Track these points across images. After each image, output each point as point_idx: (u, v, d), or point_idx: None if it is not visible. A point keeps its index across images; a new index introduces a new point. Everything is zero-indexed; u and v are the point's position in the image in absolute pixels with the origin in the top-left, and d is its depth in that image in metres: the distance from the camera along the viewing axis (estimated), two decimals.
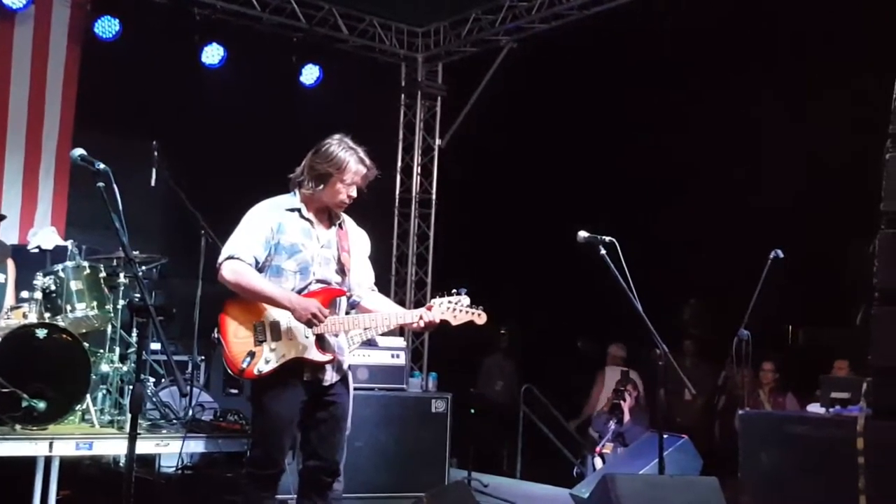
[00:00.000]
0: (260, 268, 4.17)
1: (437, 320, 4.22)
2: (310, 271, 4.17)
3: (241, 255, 4.09)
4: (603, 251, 4.91)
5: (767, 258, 6.27)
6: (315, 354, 4.12)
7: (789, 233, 7.31)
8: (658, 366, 5.07)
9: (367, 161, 4.23)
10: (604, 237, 4.97)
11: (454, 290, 4.33)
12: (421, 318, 4.18)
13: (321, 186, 4.18)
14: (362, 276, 4.38)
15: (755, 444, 5.62)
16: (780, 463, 5.40)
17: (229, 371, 4.13)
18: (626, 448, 7.72)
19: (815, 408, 5.77)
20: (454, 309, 4.26)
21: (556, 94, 10.03)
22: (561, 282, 9.91)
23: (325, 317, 4.04)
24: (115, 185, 3.54)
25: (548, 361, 10.72)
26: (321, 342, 4.14)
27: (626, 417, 8.41)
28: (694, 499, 4.55)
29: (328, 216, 4.31)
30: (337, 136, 4.25)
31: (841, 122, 7.95)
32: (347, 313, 4.34)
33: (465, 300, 4.28)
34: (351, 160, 4.17)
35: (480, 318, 4.32)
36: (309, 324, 4.04)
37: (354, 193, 4.24)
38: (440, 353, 9.90)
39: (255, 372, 4.05)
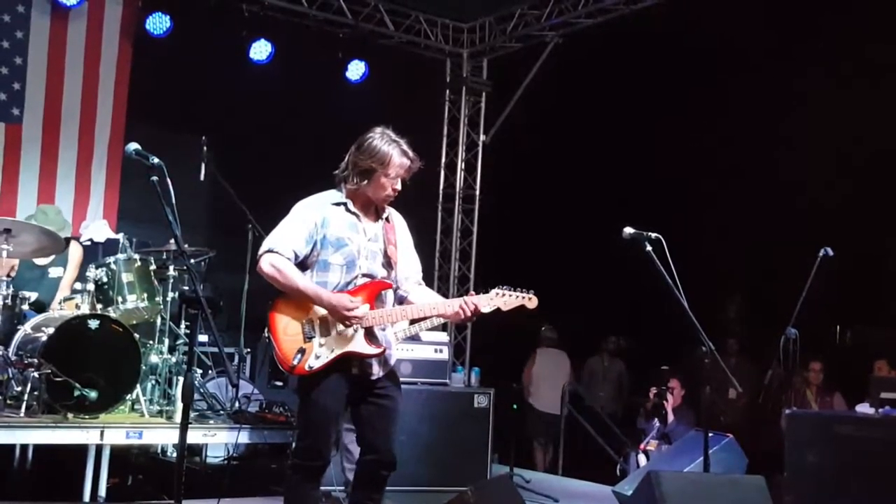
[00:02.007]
0: (307, 263, 4.18)
1: (483, 307, 4.22)
2: (356, 265, 4.17)
3: (280, 248, 4.11)
4: (649, 247, 4.88)
5: (816, 256, 6.16)
6: (364, 347, 4.13)
7: (838, 231, 7.21)
8: (703, 363, 5.04)
9: (411, 153, 4.22)
10: (650, 233, 4.93)
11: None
12: (465, 303, 4.19)
13: (366, 182, 4.19)
14: (410, 269, 4.38)
15: (802, 443, 5.56)
16: (828, 463, 5.34)
17: (281, 368, 4.14)
18: (670, 446, 7.67)
19: (863, 408, 5.71)
20: (504, 294, 4.28)
21: (600, 89, 9.99)
22: (603, 278, 9.87)
23: (357, 308, 4.05)
24: (168, 179, 3.61)
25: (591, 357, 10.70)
26: (370, 335, 4.16)
27: (670, 417, 8.35)
28: (740, 498, 4.50)
29: (374, 210, 4.31)
30: (378, 129, 4.23)
31: (892, 117, 7.82)
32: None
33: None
34: (394, 153, 4.17)
35: (531, 301, 4.32)
36: (343, 321, 4.06)
37: (399, 186, 4.23)
38: (483, 349, 9.91)
39: (307, 368, 4.06)
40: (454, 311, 4.24)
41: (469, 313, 4.21)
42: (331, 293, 4.07)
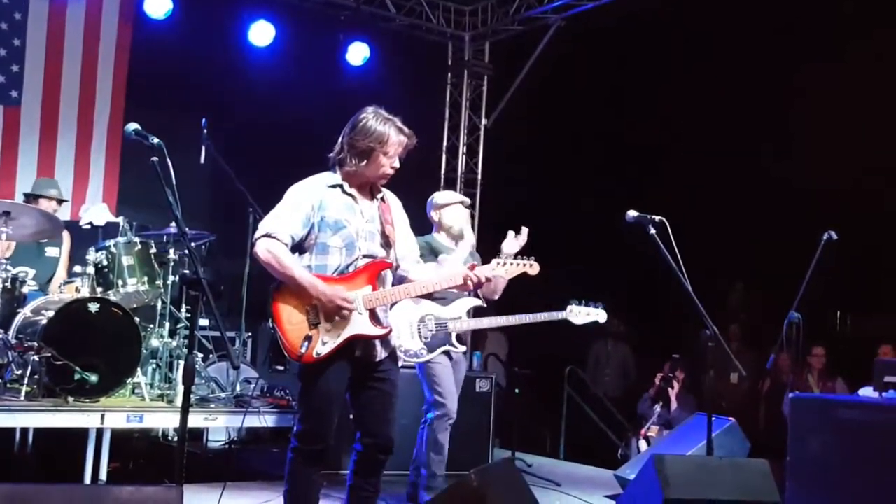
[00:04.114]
0: (304, 247, 4.15)
1: (484, 278, 4.24)
2: (355, 247, 4.14)
3: (277, 233, 4.07)
4: (652, 231, 4.86)
5: (819, 240, 6.11)
6: (370, 329, 4.10)
7: (840, 215, 7.17)
8: (707, 348, 5.02)
9: (406, 130, 4.19)
10: (653, 217, 4.91)
11: None
12: (466, 277, 4.19)
13: (364, 162, 4.15)
14: (407, 248, 4.36)
15: (805, 428, 5.54)
16: (831, 448, 5.32)
17: (289, 358, 4.10)
18: (671, 431, 7.67)
19: (867, 392, 5.68)
20: (504, 263, 4.32)
21: (603, 72, 9.94)
22: (605, 262, 9.84)
23: (351, 303, 4.03)
24: (168, 160, 3.57)
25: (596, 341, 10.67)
26: (374, 316, 4.14)
27: (674, 405, 8.35)
28: (744, 481, 4.49)
29: (370, 190, 4.28)
30: (370, 109, 4.20)
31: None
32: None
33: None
34: (391, 132, 4.14)
35: (533, 268, 4.39)
36: (335, 313, 4.02)
37: (397, 165, 4.21)
38: (485, 333, 9.90)
39: (314, 355, 4.02)
40: (459, 283, 4.22)
41: (475, 281, 4.20)
42: (326, 285, 4.03)
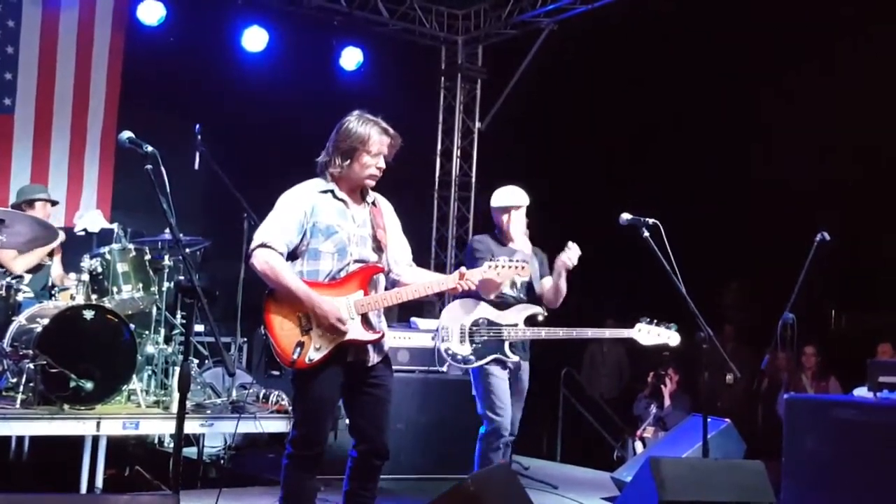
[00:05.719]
0: (296, 253, 4.16)
1: (478, 279, 4.29)
2: (347, 252, 4.16)
3: (273, 243, 4.08)
4: (646, 233, 4.88)
5: (812, 240, 6.14)
6: (363, 334, 4.12)
7: (836, 214, 7.20)
8: (702, 349, 5.04)
9: (390, 130, 4.23)
10: (647, 219, 4.94)
11: None
12: (459, 282, 4.24)
13: (349, 162, 4.18)
14: (399, 252, 4.37)
15: (800, 428, 5.56)
16: (826, 447, 5.34)
17: (282, 364, 4.12)
18: (667, 432, 7.68)
19: (862, 392, 5.70)
20: (496, 266, 4.35)
21: (596, 76, 9.95)
22: (599, 264, 9.84)
23: (345, 324, 4.04)
24: (162, 168, 3.58)
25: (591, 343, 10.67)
26: (367, 322, 4.15)
27: (667, 402, 8.38)
28: (739, 482, 4.50)
29: (360, 194, 4.30)
30: (355, 112, 4.25)
31: (891, 100, 7.80)
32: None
33: None
34: (373, 131, 4.18)
35: (524, 271, 4.44)
36: (330, 330, 4.04)
37: (383, 165, 4.22)
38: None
39: (307, 361, 4.03)
40: (451, 288, 4.28)
41: (468, 286, 4.26)
42: (322, 299, 4.04)
